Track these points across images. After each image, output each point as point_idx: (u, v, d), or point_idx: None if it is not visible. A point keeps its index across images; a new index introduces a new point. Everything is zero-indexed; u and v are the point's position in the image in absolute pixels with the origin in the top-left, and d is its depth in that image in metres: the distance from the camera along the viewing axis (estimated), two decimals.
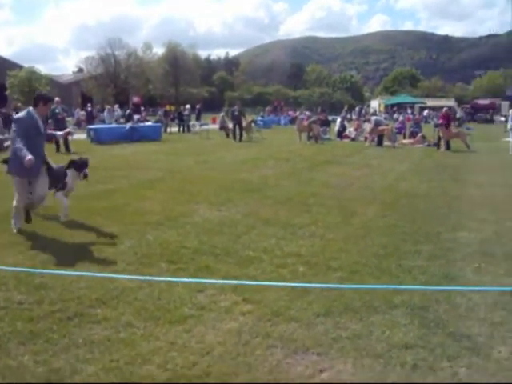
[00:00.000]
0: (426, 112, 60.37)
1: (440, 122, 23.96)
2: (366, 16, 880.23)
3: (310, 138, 26.93)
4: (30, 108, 7.62)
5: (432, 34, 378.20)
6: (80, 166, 8.65)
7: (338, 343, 4.37)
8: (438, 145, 24.02)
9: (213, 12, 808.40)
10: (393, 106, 73.82)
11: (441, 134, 23.67)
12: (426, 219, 8.97)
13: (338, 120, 32.44)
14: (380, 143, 25.27)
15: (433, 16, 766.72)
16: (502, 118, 54.11)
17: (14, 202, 7.76)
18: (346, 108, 45.75)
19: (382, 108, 75.53)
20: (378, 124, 25.92)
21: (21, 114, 7.68)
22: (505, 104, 73.04)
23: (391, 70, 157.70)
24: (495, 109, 73.62)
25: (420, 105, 74.14)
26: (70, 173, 8.61)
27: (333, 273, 6.11)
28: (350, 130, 30.53)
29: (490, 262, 6.58)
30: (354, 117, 46.69)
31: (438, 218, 9.13)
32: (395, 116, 52.96)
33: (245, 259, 6.59)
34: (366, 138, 26.85)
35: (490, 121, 63.74)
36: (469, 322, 4.82)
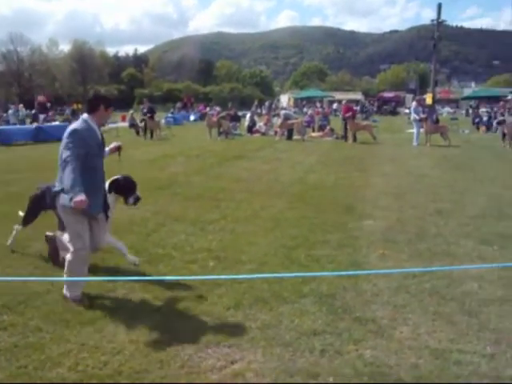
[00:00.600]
0: (335, 105, 61.74)
1: (347, 114, 24.59)
2: (274, 12, 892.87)
3: (220, 133, 26.97)
4: (85, 115, 5.30)
5: (338, 30, 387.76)
6: (127, 188, 6.00)
7: (249, 334, 4.45)
8: (345, 137, 24.69)
9: (119, 7, 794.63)
10: (302, 99, 75.06)
11: (348, 127, 24.34)
12: (334, 210, 9.23)
13: (248, 115, 32.64)
14: (290, 137, 25.61)
15: (339, 12, 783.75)
16: (406, 110, 56.33)
17: (68, 255, 5.33)
18: (256, 103, 46.09)
19: (291, 102, 76.74)
20: (287, 118, 26.27)
21: (77, 125, 5.19)
22: (408, 97, 76.19)
23: (300, 65, 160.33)
24: (400, 101, 76.52)
25: (329, 98, 75.83)
26: (110, 198, 5.90)
27: (242, 265, 6.20)
28: (260, 125, 30.78)
29: (393, 248, 6.89)
30: (264, 111, 47.19)
31: (345, 207, 9.41)
32: (305, 110, 53.88)
33: (155, 257, 6.57)
34: (275, 132, 27.15)
35: (395, 113, 66.10)
36: (374, 306, 5.05)
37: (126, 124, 35.30)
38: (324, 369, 3.92)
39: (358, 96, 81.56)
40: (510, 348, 4.24)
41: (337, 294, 5.30)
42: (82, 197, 4.75)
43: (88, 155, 5.12)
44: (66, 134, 5.07)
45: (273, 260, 6.38)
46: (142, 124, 27.91)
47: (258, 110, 47.21)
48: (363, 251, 6.78)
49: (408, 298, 5.23)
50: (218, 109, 39.82)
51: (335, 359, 4.05)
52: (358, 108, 46.39)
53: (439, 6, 40.44)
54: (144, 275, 5.82)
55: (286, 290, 5.37)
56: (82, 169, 4.99)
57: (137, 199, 6.02)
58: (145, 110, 27.56)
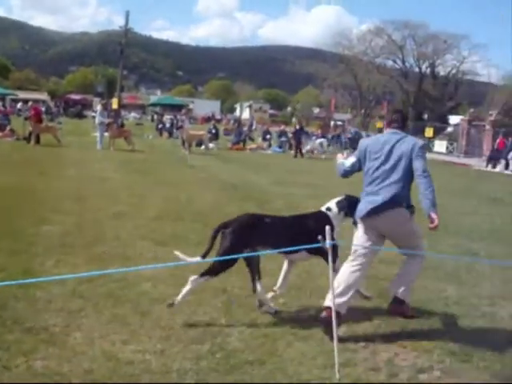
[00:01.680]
0: (19, 105, 58.53)
1: (30, 115, 23.66)
2: None
3: None
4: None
5: (26, 24, 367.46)
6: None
7: None
8: (29, 138, 23.62)
9: None
10: None
11: (31, 128, 23.34)
12: (10, 215, 8.73)
13: None
14: None
15: (26, 5, 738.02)
16: (93, 114, 56.18)
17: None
18: None
19: None
20: None
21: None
22: (96, 100, 75.84)
23: None
24: (87, 104, 75.94)
25: (12, 97, 71.57)
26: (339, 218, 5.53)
27: None
28: None
29: (70, 253, 6.78)
30: None
31: (23, 212, 8.97)
32: None
33: None
34: None
35: (82, 116, 65.19)
36: (47, 314, 4.89)
37: None
38: None
39: (44, 96, 78.59)
40: (179, 343, 4.49)
41: (7, 305, 5.01)
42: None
43: None
44: (418, 145, 5.18)
45: None
46: None
47: None
48: (39, 258, 6.53)
49: (82, 302, 5.19)
50: None
51: (2, 375, 3.82)
52: (44, 109, 44.66)
53: (127, 14, 41.37)
54: None
55: None
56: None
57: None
58: None
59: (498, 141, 37.52)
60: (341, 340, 4.50)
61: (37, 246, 7.07)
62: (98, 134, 23.84)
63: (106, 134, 23.94)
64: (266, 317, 5.18)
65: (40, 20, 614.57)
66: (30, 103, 27.33)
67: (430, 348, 4.72)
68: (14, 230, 7.77)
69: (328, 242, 4.26)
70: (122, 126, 29.02)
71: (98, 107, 26.02)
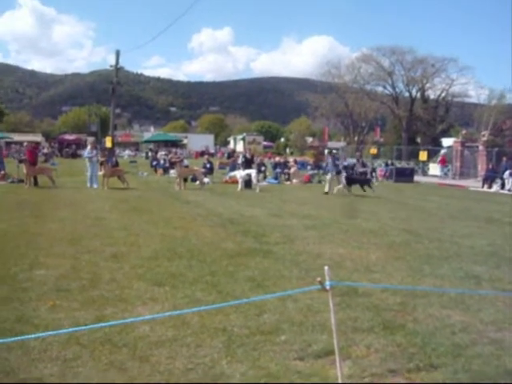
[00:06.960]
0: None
1: (24, 157, 23.57)
2: None
3: None
4: None
5: (18, 68, 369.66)
6: None
7: None
8: (28, 181, 23.49)
9: None
10: None
11: (25, 170, 23.19)
12: (2, 260, 8.55)
13: None
14: None
15: (23, 49, 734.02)
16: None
17: None
18: None
19: None
20: None
21: None
22: (90, 139, 76.22)
23: None
24: (81, 144, 76.08)
25: (7, 139, 71.81)
26: None
27: None
28: None
29: (65, 298, 6.58)
30: None
31: (15, 257, 8.77)
32: None
33: None
34: None
35: (76, 155, 65.33)
36: (41, 363, 4.70)
37: None
38: None
39: (38, 138, 78.83)
40: None
41: None
42: None
43: None
44: None
45: None
46: None
47: None
48: (32, 304, 6.33)
49: (78, 350, 4.99)
50: None
51: None
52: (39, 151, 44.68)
53: (117, 53, 41.66)
54: None
55: None
56: None
57: None
58: None
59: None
60: (347, 377, 4.35)
61: (30, 291, 6.84)
62: (88, 174, 23.84)
63: (100, 172, 23.91)
64: (269, 355, 5.00)
65: (35, 63, 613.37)
66: (25, 144, 27.29)
67: (438, 380, 4.56)
68: (6, 276, 7.58)
69: None
70: (117, 164, 28.93)
71: (88, 147, 26.07)
